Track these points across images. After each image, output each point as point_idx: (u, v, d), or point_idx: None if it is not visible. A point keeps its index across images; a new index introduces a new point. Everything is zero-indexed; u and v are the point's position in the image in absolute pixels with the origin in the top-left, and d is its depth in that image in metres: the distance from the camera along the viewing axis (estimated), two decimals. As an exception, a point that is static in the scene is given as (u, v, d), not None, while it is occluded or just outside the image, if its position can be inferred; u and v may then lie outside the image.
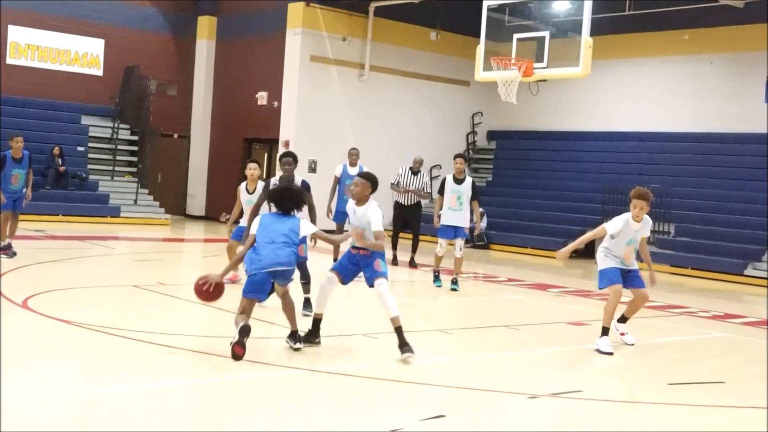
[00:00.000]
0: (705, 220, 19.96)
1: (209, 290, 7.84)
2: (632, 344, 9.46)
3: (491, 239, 22.17)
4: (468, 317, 11.59)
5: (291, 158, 10.34)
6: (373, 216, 8.05)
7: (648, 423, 6.63)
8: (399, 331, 7.97)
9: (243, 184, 11.74)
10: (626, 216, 9.17)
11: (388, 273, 8.20)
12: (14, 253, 13.35)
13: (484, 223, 22.24)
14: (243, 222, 11.60)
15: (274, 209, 8.04)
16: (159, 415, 5.85)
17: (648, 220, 9.29)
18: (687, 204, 20.73)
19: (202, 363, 7.51)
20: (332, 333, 9.21)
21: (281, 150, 23.31)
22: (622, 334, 9.56)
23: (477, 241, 21.66)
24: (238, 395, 6.59)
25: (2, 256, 13.04)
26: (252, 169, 11.64)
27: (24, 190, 13.85)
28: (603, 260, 9.29)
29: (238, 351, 7.28)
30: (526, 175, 24.92)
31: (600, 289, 9.43)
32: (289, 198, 7.92)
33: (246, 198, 11.56)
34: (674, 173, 21.79)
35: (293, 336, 8.07)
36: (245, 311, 7.62)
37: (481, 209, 22.07)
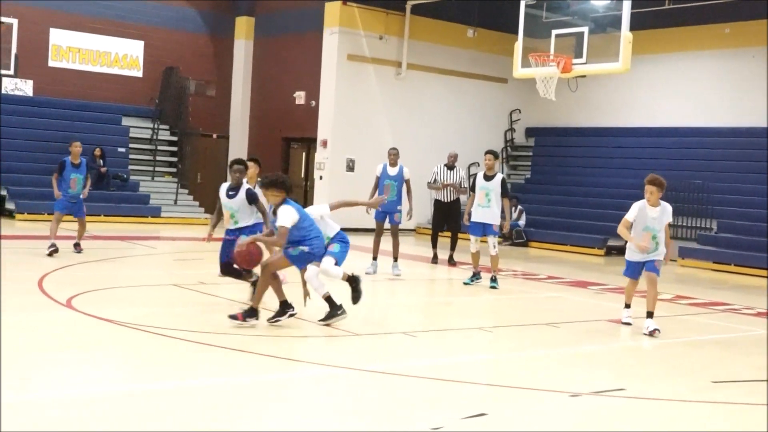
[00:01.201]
0: (747, 215, 19.69)
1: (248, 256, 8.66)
2: (656, 330, 9.69)
3: (530, 236, 22.04)
4: (507, 315, 11.53)
5: (242, 166, 10.49)
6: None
7: (691, 421, 6.55)
8: (328, 299, 9.12)
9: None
10: (641, 202, 9.93)
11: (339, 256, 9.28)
12: (80, 251, 14.30)
13: (522, 221, 22.14)
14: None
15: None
16: (195, 412, 5.88)
17: (667, 207, 9.94)
18: (729, 200, 20.46)
19: (240, 361, 7.54)
20: (371, 331, 9.22)
21: (319, 149, 23.38)
22: (652, 331, 9.72)
23: (515, 238, 21.56)
24: (276, 393, 6.61)
25: (74, 251, 14.17)
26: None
27: (81, 195, 14.24)
28: (627, 251, 10.19)
29: None
30: (565, 172, 24.75)
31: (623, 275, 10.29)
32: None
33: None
34: (715, 169, 21.52)
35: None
36: None
37: (520, 206, 22.13)
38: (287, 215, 8.59)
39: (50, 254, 13.36)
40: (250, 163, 11.57)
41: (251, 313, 8.76)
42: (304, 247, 8.78)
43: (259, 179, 11.15)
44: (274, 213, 8.71)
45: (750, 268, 17.93)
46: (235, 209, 10.24)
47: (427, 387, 7.01)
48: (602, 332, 10.23)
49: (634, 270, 10.11)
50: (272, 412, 6.09)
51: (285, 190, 8.71)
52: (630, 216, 9.94)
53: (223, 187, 10.58)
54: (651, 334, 9.66)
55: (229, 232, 10.30)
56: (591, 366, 8.24)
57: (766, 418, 6.66)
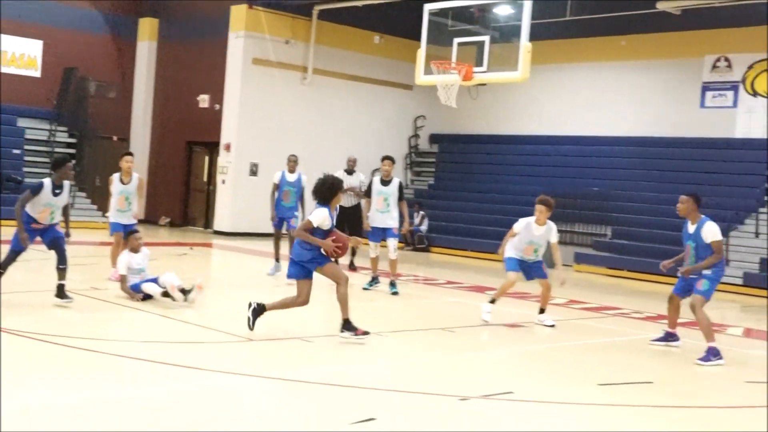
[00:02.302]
0: (641, 222, 20.27)
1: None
2: (552, 325, 10.80)
3: (432, 242, 22.27)
4: (405, 320, 11.60)
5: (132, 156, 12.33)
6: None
7: (578, 423, 6.70)
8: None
9: (117, 175, 12.81)
10: (529, 219, 10.65)
11: None
12: None
13: (424, 226, 22.34)
14: (112, 213, 12.88)
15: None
16: (86, 423, 5.77)
17: (552, 226, 10.68)
18: (624, 207, 21.03)
19: (133, 369, 7.42)
20: (267, 337, 9.18)
21: (222, 153, 23.19)
22: (541, 320, 10.91)
23: (417, 244, 21.75)
24: (169, 402, 6.52)
25: None
26: (127, 161, 12.78)
27: None
28: (508, 250, 10.86)
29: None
30: (468, 179, 25.08)
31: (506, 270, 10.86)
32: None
33: (120, 188, 12.72)
34: (612, 177, 22.09)
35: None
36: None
37: (422, 212, 22.33)
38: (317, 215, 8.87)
39: None
40: (129, 156, 12.93)
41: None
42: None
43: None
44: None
45: (642, 274, 18.45)
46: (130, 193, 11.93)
47: (320, 393, 7.01)
48: (497, 336, 10.40)
49: (512, 264, 10.82)
50: (164, 420, 6.00)
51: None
52: (516, 228, 10.73)
53: (116, 176, 12.69)
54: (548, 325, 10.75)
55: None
56: (482, 370, 8.36)
57: (649, 420, 6.87)
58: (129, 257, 11.25)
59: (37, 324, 8.82)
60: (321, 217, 8.76)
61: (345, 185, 16.19)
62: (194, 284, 10.86)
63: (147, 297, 10.79)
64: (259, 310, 8.93)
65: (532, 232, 10.64)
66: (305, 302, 9.01)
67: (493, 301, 10.98)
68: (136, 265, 11.18)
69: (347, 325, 8.94)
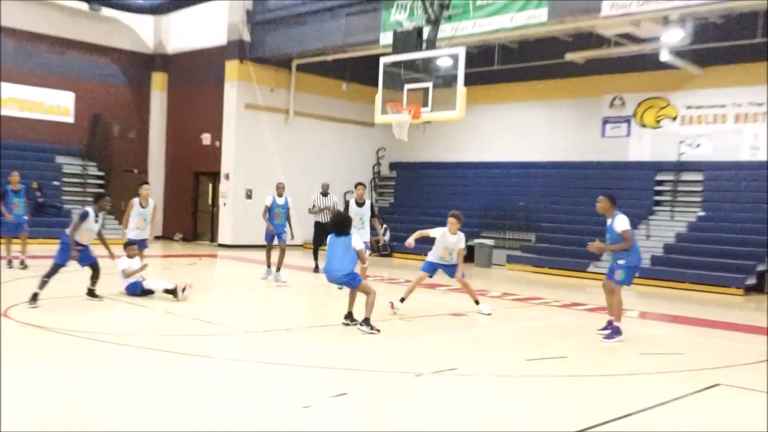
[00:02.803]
0: (559, 229, 20.46)
1: None
2: (489, 313, 10.89)
3: (394, 249, 22.30)
4: (373, 313, 11.59)
5: (148, 184, 12.13)
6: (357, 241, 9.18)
7: (510, 391, 6.77)
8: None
9: (136, 200, 12.84)
10: (444, 229, 10.93)
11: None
12: (25, 266, 14.06)
13: (387, 236, 22.36)
14: (130, 232, 12.64)
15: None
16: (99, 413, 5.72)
17: (461, 236, 10.84)
18: (545, 217, 21.22)
19: (137, 357, 7.36)
20: (257, 329, 9.16)
21: (223, 181, 23.08)
22: (480, 311, 10.97)
23: (382, 251, 21.77)
24: (168, 387, 6.49)
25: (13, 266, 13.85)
26: (145, 189, 12.90)
27: (24, 216, 14.03)
28: (430, 254, 11.07)
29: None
30: (422, 197, 25.15)
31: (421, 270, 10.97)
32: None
33: (139, 211, 12.75)
34: (534, 194, 22.27)
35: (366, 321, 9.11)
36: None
37: (385, 225, 22.34)
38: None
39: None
40: (147, 185, 12.98)
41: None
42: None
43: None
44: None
45: (560, 270, 18.62)
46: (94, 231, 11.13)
47: (301, 373, 7.01)
48: (445, 323, 10.44)
49: (427, 266, 10.99)
50: (158, 406, 5.97)
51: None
52: (432, 233, 10.93)
53: (136, 201, 12.65)
54: (486, 313, 10.80)
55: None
56: (433, 351, 8.40)
57: (568, 388, 6.95)
58: (128, 261, 11.29)
59: (64, 322, 8.72)
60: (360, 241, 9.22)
61: (321, 205, 16.34)
62: (185, 283, 10.90)
63: (148, 292, 10.82)
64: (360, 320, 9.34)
65: (447, 239, 10.82)
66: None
67: (402, 300, 10.99)
68: (135, 266, 11.39)
69: (366, 322, 9.12)
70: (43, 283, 9.83)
